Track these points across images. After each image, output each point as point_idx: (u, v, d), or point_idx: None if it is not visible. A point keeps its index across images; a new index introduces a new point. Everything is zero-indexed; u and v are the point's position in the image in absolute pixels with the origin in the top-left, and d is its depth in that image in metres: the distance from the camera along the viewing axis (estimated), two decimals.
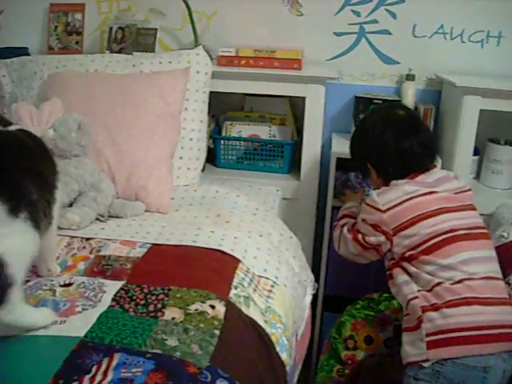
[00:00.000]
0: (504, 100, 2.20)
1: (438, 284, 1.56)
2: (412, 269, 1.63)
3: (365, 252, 1.78)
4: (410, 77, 2.44)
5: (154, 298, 1.37)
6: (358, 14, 2.50)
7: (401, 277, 1.66)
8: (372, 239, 1.72)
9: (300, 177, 2.39)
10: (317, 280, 2.14)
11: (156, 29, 2.41)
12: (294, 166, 2.48)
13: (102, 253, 1.60)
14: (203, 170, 2.30)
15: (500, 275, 1.64)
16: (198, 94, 2.16)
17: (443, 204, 1.67)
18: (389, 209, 1.67)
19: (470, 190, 1.76)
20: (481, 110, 2.18)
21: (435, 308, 1.55)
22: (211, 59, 2.28)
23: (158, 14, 2.33)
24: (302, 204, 2.39)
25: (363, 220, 1.75)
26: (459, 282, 1.55)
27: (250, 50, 2.35)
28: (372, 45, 2.53)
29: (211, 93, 2.25)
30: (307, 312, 1.87)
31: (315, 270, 2.25)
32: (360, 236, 1.76)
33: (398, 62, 2.52)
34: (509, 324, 1.55)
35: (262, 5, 2.52)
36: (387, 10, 2.48)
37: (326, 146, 2.51)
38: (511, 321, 1.56)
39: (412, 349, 1.59)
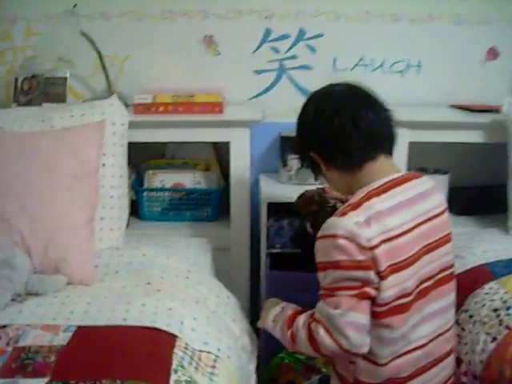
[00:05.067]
0: (431, 131, 2.22)
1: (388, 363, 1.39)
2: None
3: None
4: None
5: None
6: (276, 50, 2.44)
7: None
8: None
9: (230, 224, 2.28)
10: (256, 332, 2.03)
11: (66, 77, 2.27)
12: (222, 213, 2.37)
13: (20, 343, 1.42)
14: (128, 225, 2.15)
15: (450, 323, 1.51)
16: (115, 147, 2.02)
17: (423, 242, 1.39)
18: (374, 247, 1.30)
19: (445, 210, 1.49)
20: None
21: None
22: (126, 106, 2.15)
23: (66, 63, 2.18)
24: (234, 253, 2.29)
25: (341, 266, 1.32)
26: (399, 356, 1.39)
27: (168, 96, 2.23)
28: (293, 81, 2.48)
29: (132, 143, 2.12)
30: (254, 378, 1.76)
31: (253, 322, 2.15)
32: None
33: None
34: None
35: (177, 45, 2.43)
36: (306, 45, 2.43)
37: (254, 188, 2.41)
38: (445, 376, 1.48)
39: None
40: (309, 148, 1.50)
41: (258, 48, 2.43)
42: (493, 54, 2.49)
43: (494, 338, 1.63)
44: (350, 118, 1.41)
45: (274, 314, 1.56)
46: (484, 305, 1.75)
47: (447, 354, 1.49)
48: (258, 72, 2.46)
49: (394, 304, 1.32)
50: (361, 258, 1.29)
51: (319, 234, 1.37)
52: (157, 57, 2.42)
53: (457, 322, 1.76)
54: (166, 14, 2.37)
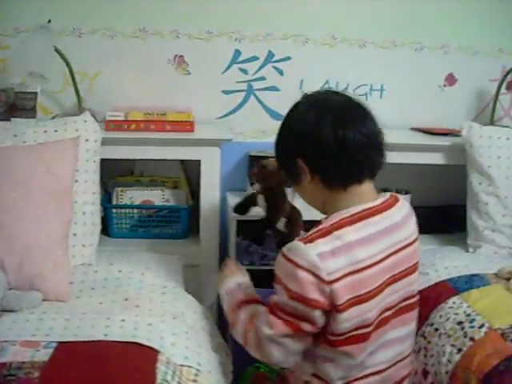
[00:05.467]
0: (394, 152, 2.25)
1: None
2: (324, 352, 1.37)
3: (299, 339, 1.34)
4: None
5: None
6: (245, 71, 2.50)
7: (322, 350, 1.38)
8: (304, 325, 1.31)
9: (199, 241, 2.30)
10: None
11: (36, 92, 2.24)
12: (191, 230, 2.38)
13: (0, 360, 1.40)
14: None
15: (410, 350, 1.51)
16: (88, 164, 2.02)
17: (390, 273, 1.36)
18: (335, 280, 1.26)
19: (417, 239, 1.46)
20: None
21: None
22: (96, 122, 2.16)
23: (38, 78, 2.16)
24: (203, 270, 2.30)
25: (291, 296, 1.29)
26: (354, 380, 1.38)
27: (140, 114, 2.24)
28: (261, 101, 2.53)
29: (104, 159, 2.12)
30: None
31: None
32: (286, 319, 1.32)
33: None
34: None
35: (148, 64, 2.45)
36: (274, 67, 2.50)
37: (222, 206, 2.44)
38: None
39: None
40: (298, 154, 1.38)
41: (227, 69, 2.48)
42: (451, 80, 2.62)
43: (459, 350, 1.71)
44: (352, 131, 1.33)
45: (229, 286, 1.60)
46: (448, 318, 1.83)
47: (403, 379, 1.50)
48: (227, 92, 2.50)
49: (352, 334, 1.30)
50: (312, 296, 1.26)
51: (284, 250, 1.33)
52: (127, 74, 2.44)
53: (423, 335, 1.84)
54: (138, 33, 2.40)
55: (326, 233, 1.30)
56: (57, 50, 2.18)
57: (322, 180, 1.38)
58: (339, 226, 1.32)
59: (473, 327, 1.75)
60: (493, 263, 2.12)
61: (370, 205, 1.38)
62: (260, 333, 1.36)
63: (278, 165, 1.52)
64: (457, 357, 1.70)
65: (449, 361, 1.71)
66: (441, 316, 1.86)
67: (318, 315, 1.28)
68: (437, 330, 1.83)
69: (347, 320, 1.28)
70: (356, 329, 1.30)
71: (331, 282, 1.25)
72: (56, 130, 2.02)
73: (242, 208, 2.12)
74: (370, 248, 1.32)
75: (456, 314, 1.84)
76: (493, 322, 1.73)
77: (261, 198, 1.96)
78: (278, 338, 1.32)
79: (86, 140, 2.03)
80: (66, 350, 1.46)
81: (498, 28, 2.58)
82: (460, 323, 1.79)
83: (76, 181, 1.97)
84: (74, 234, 1.95)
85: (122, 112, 2.24)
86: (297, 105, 1.47)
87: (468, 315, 1.80)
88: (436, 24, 2.54)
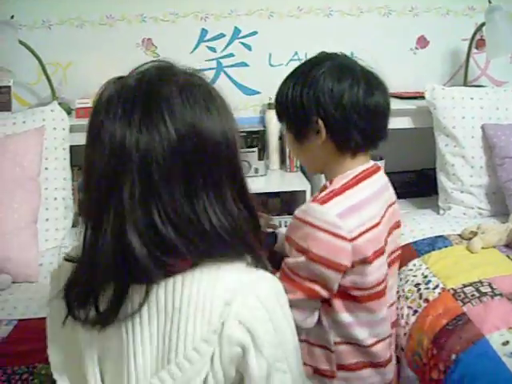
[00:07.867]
0: None
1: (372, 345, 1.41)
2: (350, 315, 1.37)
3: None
4: (271, 105, 2.48)
5: (17, 377, 1.34)
6: (213, 49, 2.53)
7: (344, 315, 1.35)
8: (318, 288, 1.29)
9: None
10: None
11: (9, 86, 2.33)
12: None
13: None
14: (74, 225, 2.22)
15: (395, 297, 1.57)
16: (57, 151, 2.11)
17: (388, 226, 1.40)
18: (357, 237, 1.27)
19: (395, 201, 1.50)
20: None
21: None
22: (71, 111, 2.24)
23: (6, 73, 2.24)
24: None
25: (311, 258, 1.26)
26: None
27: None
28: (231, 78, 2.57)
29: (74, 145, 2.19)
30: None
31: None
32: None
33: (258, 92, 2.57)
34: None
35: (117, 50, 2.50)
36: (242, 43, 2.52)
37: None
38: None
39: None
40: (320, 114, 1.31)
41: (196, 48, 2.53)
42: (423, 42, 2.61)
43: (415, 311, 1.75)
44: (378, 98, 1.33)
45: None
46: (407, 281, 1.87)
47: (393, 324, 1.54)
48: None
49: (375, 290, 1.34)
50: (335, 257, 1.26)
51: (299, 213, 1.31)
52: (98, 62, 2.48)
53: None
54: (105, 20, 2.45)
55: (338, 193, 1.32)
56: (23, 44, 2.25)
57: (337, 143, 1.34)
58: (349, 186, 1.33)
59: (428, 288, 1.79)
60: (459, 224, 2.15)
61: (366, 166, 1.39)
62: None
63: (288, 120, 1.41)
64: (412, 318, 1.74)
65: (406, 323, 1.76)
66: (401, 279, 1.89)
67: (334, 278, 1.28)
68: (397, 292, 1.86)
69: (377, 269, 1.32)
70: (378, 284, 1.34)
71: (353, 239, 1.26)
72: (24, 122, 2.11)
73: None
74: (376, 204, 1.35)
75: (414, 276, 1.88)
76: (447, 283, 1.77)
77: None
78: (295, 302, 1.22)
79: (54, 128, 2.12)
80: (24, 326, 1.57)
81: None
82: (417, 285, 1.83)
83: (46, 168, 2.07)
84: (47, 219, 2.04)
85: (91, 99, 2.30)
86: (318, 64, 1.35)
87: (425, 277, 1.84)
88: None
